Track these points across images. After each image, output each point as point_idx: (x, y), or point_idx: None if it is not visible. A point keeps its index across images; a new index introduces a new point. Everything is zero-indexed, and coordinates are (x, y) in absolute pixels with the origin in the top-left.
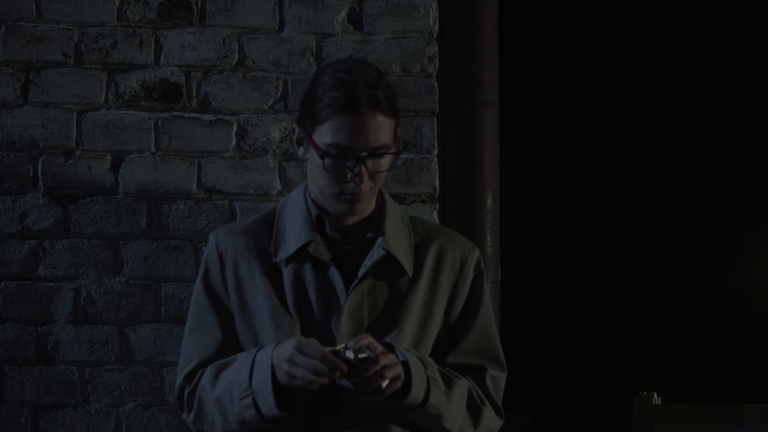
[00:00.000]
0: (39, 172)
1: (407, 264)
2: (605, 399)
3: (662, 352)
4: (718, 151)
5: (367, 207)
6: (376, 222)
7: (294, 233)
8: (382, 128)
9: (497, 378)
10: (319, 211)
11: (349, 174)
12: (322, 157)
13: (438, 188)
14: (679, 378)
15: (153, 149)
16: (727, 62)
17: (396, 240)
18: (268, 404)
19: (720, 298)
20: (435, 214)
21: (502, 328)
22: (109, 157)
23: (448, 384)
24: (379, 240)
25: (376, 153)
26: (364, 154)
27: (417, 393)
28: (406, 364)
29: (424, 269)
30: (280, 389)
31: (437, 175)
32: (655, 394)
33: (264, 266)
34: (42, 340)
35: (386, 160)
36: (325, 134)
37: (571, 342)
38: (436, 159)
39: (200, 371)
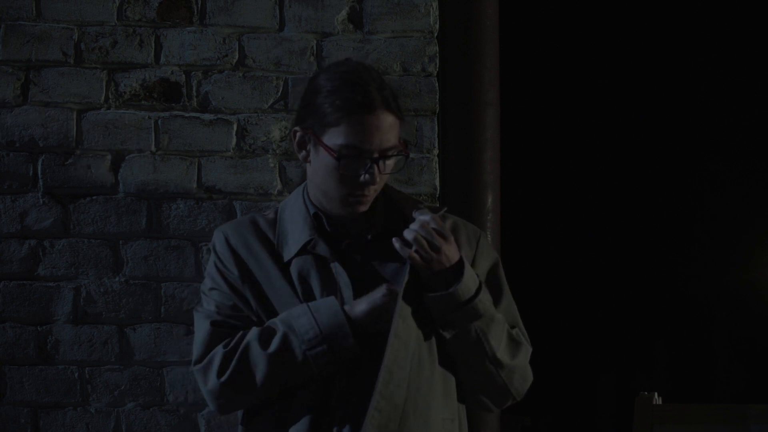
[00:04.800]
0: (39, 172)
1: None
2: (606, 399)
3: (663, 351)
4: (718, 150)
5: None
6: (380, 215)
7: (295, 234)
8: (393, 129)
9: (523, 342)
10: (316, 209)
11: (363, 175)
12: (339, 159)
13: (438, 188)
14: (681, 378)
15: (153, 149)
16: (727, 62)
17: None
18: (347, 343)
19: (721, 298)
20: None
21: None
22: (109, 157)
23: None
24: (398, 246)
25: (386, 154)
26: (376, 155)
27: (469, 282)
28: (461, 261)
29: None
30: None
31: (438, 174)
32: (656, 394)
33: (274, 263)
34: (42, 340)
35: (394, 162)
36: (338, 136)
37: (572, 341)
38: (436, 158)
39: (238, 334)
